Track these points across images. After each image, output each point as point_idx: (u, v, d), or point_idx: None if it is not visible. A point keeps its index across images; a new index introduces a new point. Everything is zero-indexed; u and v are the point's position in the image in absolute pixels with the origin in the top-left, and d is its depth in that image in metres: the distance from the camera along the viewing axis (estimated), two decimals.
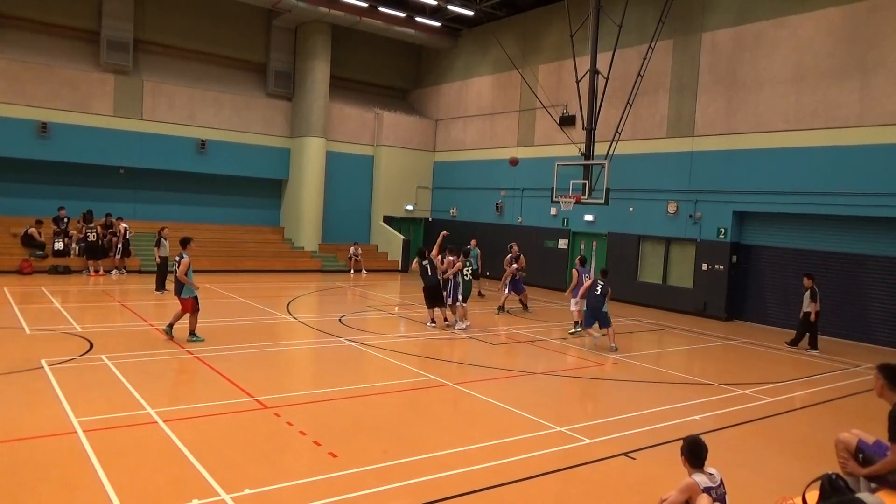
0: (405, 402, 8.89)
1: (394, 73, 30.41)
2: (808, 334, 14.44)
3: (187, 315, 11.61)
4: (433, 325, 14.34)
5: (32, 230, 19.85)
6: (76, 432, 6.84)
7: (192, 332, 11.59)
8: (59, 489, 5.58)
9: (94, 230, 20.19)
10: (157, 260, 17.67)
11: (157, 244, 17.66)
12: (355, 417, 8.01)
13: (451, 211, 28.25)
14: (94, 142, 22.53)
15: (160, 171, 24.27)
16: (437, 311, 14.53)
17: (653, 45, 18.60)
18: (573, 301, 14.66)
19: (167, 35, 24.69)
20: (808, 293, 14.38)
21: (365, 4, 24.48)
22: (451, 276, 14.33)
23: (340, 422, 7.78)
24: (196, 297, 11.56)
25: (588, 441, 7.48)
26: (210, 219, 25.83)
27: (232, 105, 25.44)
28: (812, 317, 14.26)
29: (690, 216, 19.01)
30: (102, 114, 22.75)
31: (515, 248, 17.83)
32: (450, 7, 24.24)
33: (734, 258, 18.23)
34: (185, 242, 11.98)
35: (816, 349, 14.28)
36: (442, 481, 6.12)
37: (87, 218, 20.86)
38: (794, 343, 14.63)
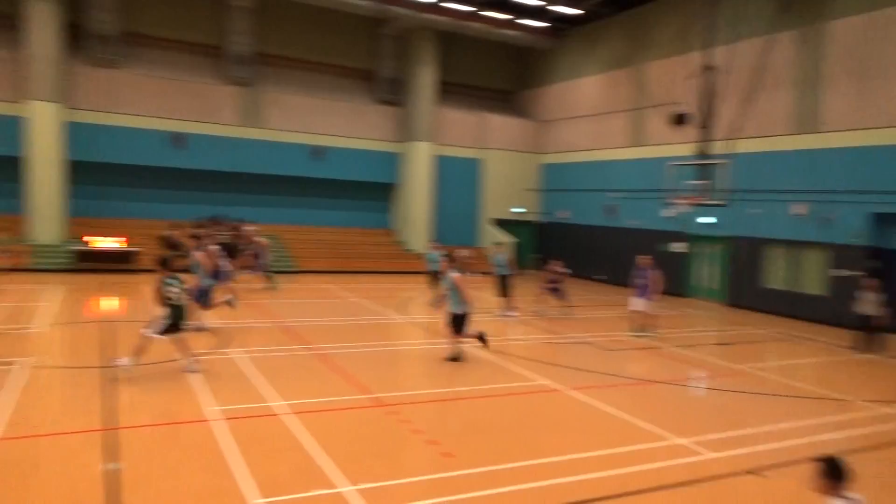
0: (517, 406, 8.86)
1: (499, 75, 30.45)
2: (869, 336, 13.82)
3: None
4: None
5: (172, 232, 21.45)
6: (214, 420, 7.34)
7: None
8: (201, 472, 6.02)
9: (224, 234, 21.59)
10: None
11: None
12: (468, 419, 8.08)
13: (560, 213, 27.89)
14: (222, 150, 24.20)
15: (279, 177, 25.65)
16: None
17: (774, 36, 17.47)
18: (641, 301, 13.93)
19: (284, 48, 25.99)
20: (875, 295, 13.73)
21: (469, 9, 24.70)
22: None
23: (453, 422, 7.88)
24: None
25: (711, 455, 7.13)
26: (325, 221, 26.97)
27: (344, 112, 26.44)
28: (878, 320, 13.67)
29: (820, 218, 17.69)
30: (228, 124, 24.39)
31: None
32: (554, 7, 23.98)
33: (872, 264, 16.78)
34: None
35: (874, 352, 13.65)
36: (556, 488, 6.06)
37: (217, 221, 22.34)
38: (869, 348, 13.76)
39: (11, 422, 7.02)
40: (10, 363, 9.32)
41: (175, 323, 9.04)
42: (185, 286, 9.46)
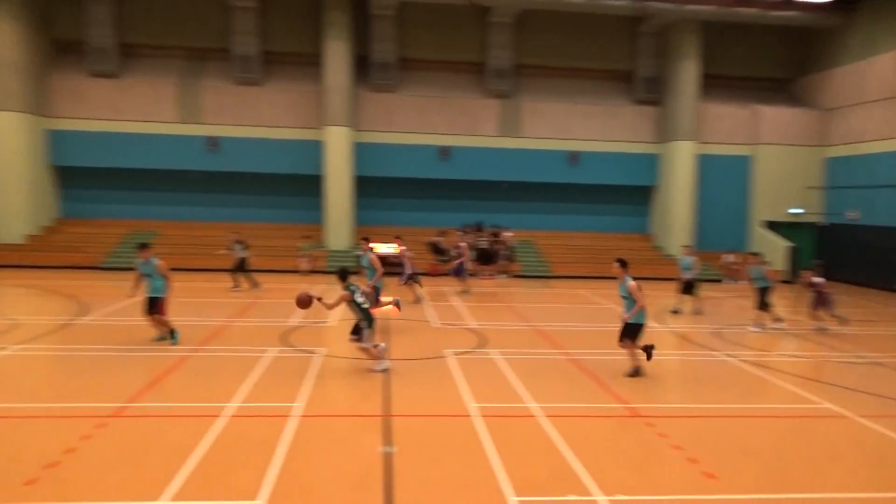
0: (791, 429, 7.96)
1: (771, 62, 27.53)
2: None
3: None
4: None
5: (438, 239, 23.31)
6: (474, 416, 7.85)
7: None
8: (461, 464, 6.48)
9: (485, 239, 22.89)
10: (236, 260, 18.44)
11: (242, 248, 18.42)
12: (733, 438, 7.49)
13: (849, 214, 24.33)
14: (483, 160, 25.66)
15: (535, 184, 26.35)
16: None
17: None
18: None
19: (540, 57, 26.60)
20: None
21: None
22: None
23: (716, 441, 7.37)
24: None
25: None
26: (580, 227, 27.02)
27: (600, 115, 26.21)
28: None
29: None
30: (489, 135, 25.74)
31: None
32: None
33: None
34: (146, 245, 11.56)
35: None
36: None
37: (479, 228, 23.72)
38: None
39: (309, 402, 8.27)
40: (311, 352, 10.99)
41: (368, 325, 9.75)
42: (362, 289, 10.11)
